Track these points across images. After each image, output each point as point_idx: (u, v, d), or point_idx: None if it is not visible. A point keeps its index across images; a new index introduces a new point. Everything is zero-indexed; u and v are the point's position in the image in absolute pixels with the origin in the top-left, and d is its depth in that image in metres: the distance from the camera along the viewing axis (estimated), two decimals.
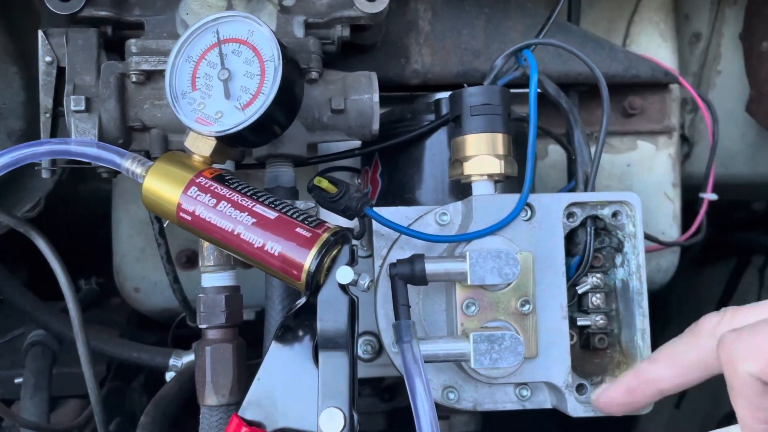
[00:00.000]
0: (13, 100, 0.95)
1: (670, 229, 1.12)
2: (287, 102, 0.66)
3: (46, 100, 0.74)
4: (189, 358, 1.06)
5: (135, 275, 1.10)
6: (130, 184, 1.09)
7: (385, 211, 0.73)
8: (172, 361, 1.06)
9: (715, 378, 1.65)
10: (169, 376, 1.06)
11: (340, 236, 0.62)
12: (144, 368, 1.25)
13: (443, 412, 0.94)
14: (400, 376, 0.77)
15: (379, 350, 0.94)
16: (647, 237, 1.01)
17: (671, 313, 1.84)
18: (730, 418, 1.53)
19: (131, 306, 1.15)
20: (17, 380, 1.12)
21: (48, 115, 0.74)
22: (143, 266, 1.09)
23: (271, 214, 0.62)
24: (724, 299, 1.77)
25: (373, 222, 0.73)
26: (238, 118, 0.63)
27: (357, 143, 0.86)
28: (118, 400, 1.29)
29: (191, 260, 1.06)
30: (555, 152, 1.11)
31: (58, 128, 0.75)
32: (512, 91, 0.77)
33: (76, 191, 1.35)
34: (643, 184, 1.11)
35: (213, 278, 0.72)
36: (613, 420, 0.72)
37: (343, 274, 0.60)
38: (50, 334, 1.09)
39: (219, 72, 0.64)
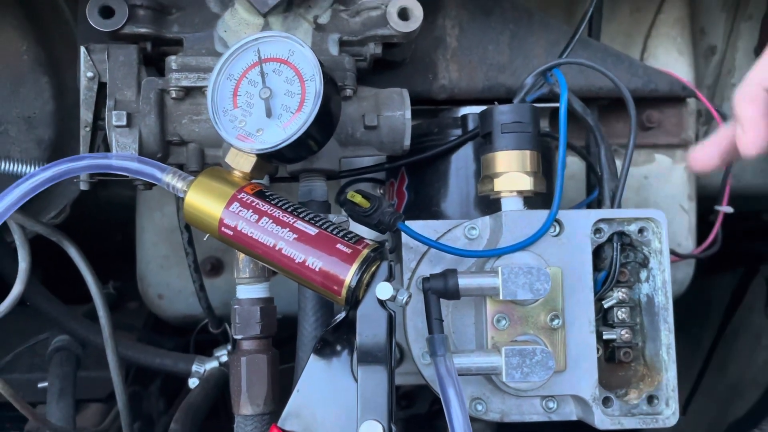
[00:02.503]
0: (43, 110, 0.96)
1: (686, 241, 1.14)
2: (326, 120, 0.68)
3: (86, 115, 0.75)
4: (212, 364, 1.08)
5: (159, 282, 1.11)
6: (155, 192, 1.11)
7: (415, 225, 0.75)
8: (195, 367, 1.07)
9: (722, 386, 1.65)
10: (192, 382, 1.07)
11: (379, 252, 0.64)
12: (163, 373, 1.26)
13: None
14: (418, 384, 0.78)
15: (401, 359, 0.95)
16: None
17: (678, 321, 1.85)
18: (737, 426, 1.54)
19: (154, 312, 1.17)
20: (40, 384, 1.13)
21: (88, 129, 0.75)
22: (167, 273, 1.11)
23: (312, 230, 0.63)
24: (731, 308, 1.79)
25: (403, 235, 0.75)
26: (279, 135, 0.65)
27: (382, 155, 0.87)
28: (136, 404, 1.30)
29: (215, 268, 1.08)
30: (573, 164, 1.13)
31: (96, 142, 0.76)
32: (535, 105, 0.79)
33: (97, 197, 1.37)
34: (659, 196, 1.13)
35: (248, 290, 0.73)
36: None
37: (383, 289, 0.61)
38: (74, 340, 1.10)
39: (261, 90, 0.65)
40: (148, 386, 1.36)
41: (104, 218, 1.38)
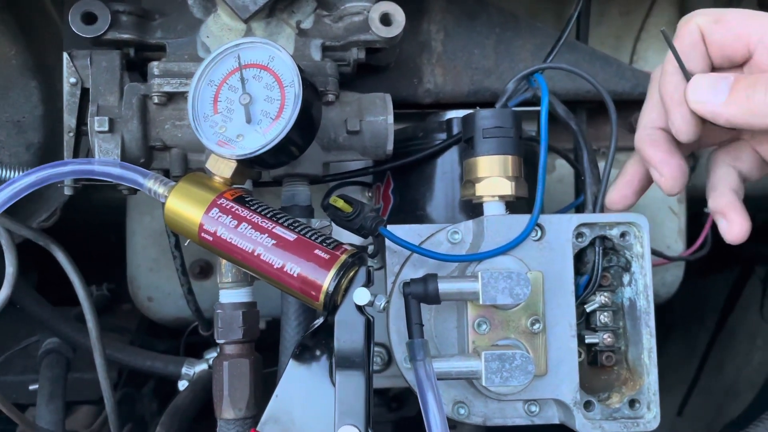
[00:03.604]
0: (32, 114, 0.97)
1: (675, 243, 1.14)
2: (306, 125, 0.68)
3: (69, 120, 0.76)
4: (201, 367, 1.08)
5: (149, 285, 1.12)
6: (145, 196, 1.11)
7: (399, 229, 0.75)
8: (184, 370, 1.08)
9: (718, 387, 1.64)
10: (182, 384, 1.08)
11: (357, 258, 0.64)
12: (155, 375, 1.27)
13: (449, 423, 0.95)
14: (408, 386, 0.79)
15: (389, 361, 0.96)
16: (653, 252, 1.03)
17: (673, 323, 1.85)
18: (733, 427, 1.54)
19: (144, 314, 1.18)
20: (31, 387, 1.14)
21: (71, 134, 0.76)
22: (157, 276, 1.11)
23: (291, 236, 0.64)
24: (727, 309, 1.79)
25: (386, 239, 0.75)
26: (259, 141, 0.65)
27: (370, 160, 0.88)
28: (128, 406, 1.31)
29: (204, 271, 1.08)
30: (562, 167, 1.13)
31: (80, 147, 0.77)
32: (521, 109, 0.79)
33: (89, 200, 1.37)
34: (648, 198, 1.12)
35: (230, 294, 0.73)
36: None
37: (360, 295, 0.62)
38: (65, 342, 1.11)
39: (240, 96, 0.66)
40: (141, 388, 1.36)
41: (98, 220, 1.39)
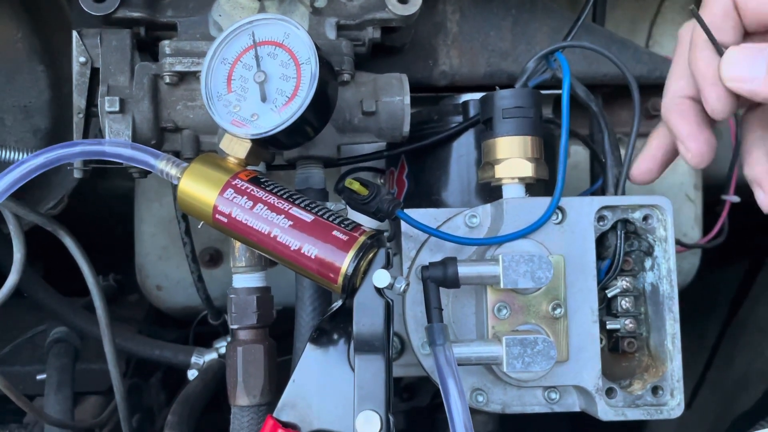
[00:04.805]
0: (39, 99, 0.96)
1: (692, 230, 1.12)
2: (322, 105, 0.66)
3: (79, 101, 0.74)
4: (211, 356, 1.07)
5: (157, 273, 1.10)
6: (153, 183, 1.10)
7: (415, 213, 0.73)
8: (194, 359, 1.07)
9: (728, 380, 1.63)
10: (191, 373, 1.06)
11: (376, 240, 0.62)
12: (164, 365, 1.26)
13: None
14: (419, 376, 0.77)
15: (401, 350, 0.94)
16: None
17: (684, 314, 1.84)
18: (743, 420, 1.52)
19: (152, 303, 1.16)
20: (39, 377, 1.13)
21: (81, 115, 0.74)
22: (166, 264, 1.10)
23: (308, 217, 0.62)
24: (737, 300, 1.77)
25: (402, 223, 0.73)
26: (274, 120, 0.63)
27: (381, 143, 0.86)
28: (136, 397, 1.30)
29: (214, 259, 1.07)
30: (577, 153, 1.11)
31: (90, 128, 0.75)
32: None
33: (96, 188, 1.36)
34: (665, 185, 1.11)
35: (244, 279, 0.72)
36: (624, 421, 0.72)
37: (380, 277, 0.60)
38: (72, 331, 1.09)
39: (255, 74, 0.64)
40: (148, 379, 1.35)
41: (105, 211, 1.37)
